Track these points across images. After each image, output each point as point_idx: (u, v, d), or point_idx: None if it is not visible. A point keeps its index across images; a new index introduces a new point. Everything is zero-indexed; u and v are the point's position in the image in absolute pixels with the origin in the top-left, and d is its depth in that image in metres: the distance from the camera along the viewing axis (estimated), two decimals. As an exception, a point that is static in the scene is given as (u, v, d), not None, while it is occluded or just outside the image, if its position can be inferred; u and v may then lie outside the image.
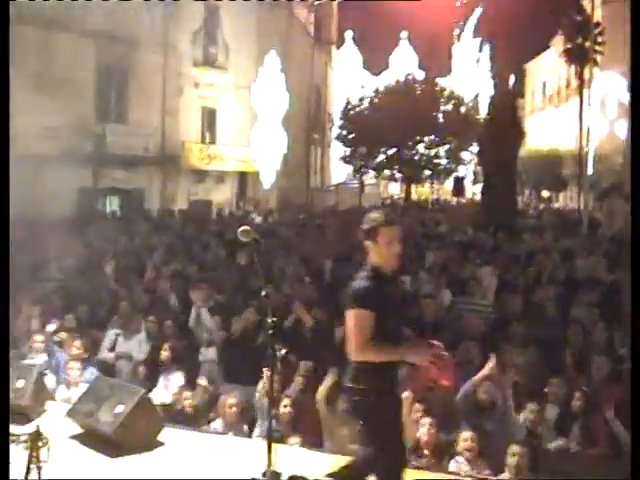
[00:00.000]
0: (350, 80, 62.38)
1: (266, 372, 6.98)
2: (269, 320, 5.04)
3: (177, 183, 36.12)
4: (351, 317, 4.97)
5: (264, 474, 4.65)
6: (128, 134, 32.44)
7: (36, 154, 26.61)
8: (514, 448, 6.67)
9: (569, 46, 46.26)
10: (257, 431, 7.93)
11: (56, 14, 27.32)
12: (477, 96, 52.22)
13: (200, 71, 37.24)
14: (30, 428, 6.24)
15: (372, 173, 52.89)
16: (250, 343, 9.53)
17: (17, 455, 6.10)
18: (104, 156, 30.20)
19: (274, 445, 4.94)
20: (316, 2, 50.85)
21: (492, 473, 6.84)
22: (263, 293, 5.15)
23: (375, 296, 4.98)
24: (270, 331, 5.00)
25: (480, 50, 68.96)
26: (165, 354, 9.64)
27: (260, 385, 8.13)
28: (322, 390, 7.96)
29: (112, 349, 10.88)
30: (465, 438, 7.06)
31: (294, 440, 7.20)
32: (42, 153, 26.96)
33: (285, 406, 7.74)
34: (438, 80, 52.81)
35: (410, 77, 51.40)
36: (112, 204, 32.46)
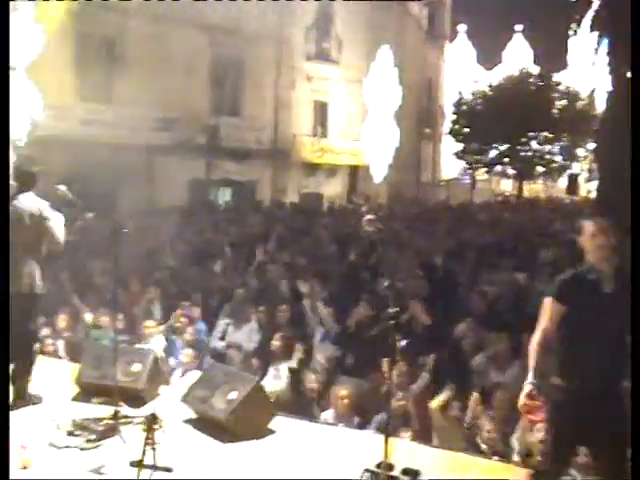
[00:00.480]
0: (463, 74, 61.65)
1: (385, 363, 6.98)
2: (390, 310, 5.02)
3: (288, 176, 36.45)
4: (544, 305, 5.24)
5: (378, 465, 4.66)
6: (241, 127, 32.95)
7: (151, 145, 27.32)
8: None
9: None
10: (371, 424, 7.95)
11: (171, 9, 27.96)
12: (593, 92, 50.85)
13: (313, 65, 37.52)
14: (146, 411, 6.42)
15: (484, 169, 52.19)
16: (364, 335, 9.56)
17: (132, 436, 6.29)
18: (217, 148, 30.68)
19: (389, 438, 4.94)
20: (429, -4, 50.49)
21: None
22: (385, 284, 5.14)
23: (570, 290, 5.15)
24: (391, 321, 4.97)
25: (597, 45, 67.19)
26: (276, 344, 9.73)
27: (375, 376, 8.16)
28: (440, 401, 7.94)
29: (222, 338, 11.09)
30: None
31: (405, 434, 7.19)
32: (157, 144, 27.65)
33: (399, 400, 7.73)
34: (553, 75, 51.73)
35: (524, 72, 50.50)
36: (224, 195, 33.00)
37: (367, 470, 4.87)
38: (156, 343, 10.06)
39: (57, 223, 7.25)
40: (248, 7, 31.42)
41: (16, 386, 7.16)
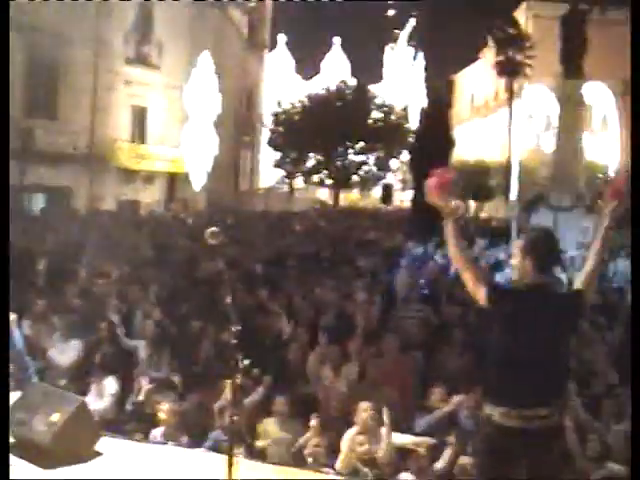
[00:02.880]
0: (282, 84, 62.31)
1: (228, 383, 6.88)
2: (233, 328, 4.88)
3: (105, 182, 35.53)
4: None
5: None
6: (57, 131, 31.88)
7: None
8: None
9: (500, 58, 46.81)
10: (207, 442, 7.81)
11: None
12: (407, 105, 52.55)
13: (132, 69, 36.72)
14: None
15: (302, 178, 52.89)
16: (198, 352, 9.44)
17: None
18: (31, 152, 29.57)
19: (223, 456, 4.83)
20: (250, 4, 50.68)
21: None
22: (228, 299, 4.98)
23: None
24: (234, 340, 4.83)
25: (413, 59, 69.51)
26: (98, 359, 9.41)
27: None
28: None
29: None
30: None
31: (239, 450, 7.09)
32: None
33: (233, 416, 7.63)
34: (369, 87, 53.10)
35: (341, 83, 51.57)
36: (38, 202, 31.79)
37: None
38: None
39: None
40: (65, 8, 30.41)
41: None
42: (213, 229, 4.89)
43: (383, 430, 7.55)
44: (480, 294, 4.89)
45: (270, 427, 8.09)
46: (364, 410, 7.68)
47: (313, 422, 7.70)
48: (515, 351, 4.76)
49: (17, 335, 9.95)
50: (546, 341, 4.75)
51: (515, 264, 4.99)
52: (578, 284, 5.00)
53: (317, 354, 9.47)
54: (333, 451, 7.54)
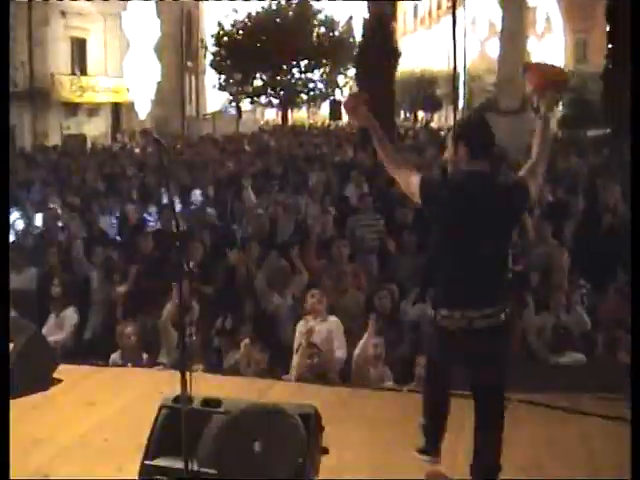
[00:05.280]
0: (222, 5, 61.18)
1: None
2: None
3: (48, 118, 34.92)
4: None
5: (175, 400, 4.54)
6: (-6, 68, 31.10)
7: None
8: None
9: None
10: (162, 359, 7.85)
11: None
12: (350, 19, 51.94)
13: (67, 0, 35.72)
14: None
15: (248, 99, 52.34)
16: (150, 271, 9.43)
17: None
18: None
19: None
20: None
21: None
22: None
23: None
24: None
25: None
26: (56, 290, 9.27)
27: (165, 312, 8.04)
28: None
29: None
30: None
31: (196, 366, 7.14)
32: None
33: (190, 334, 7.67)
34: (311, 3, 52.34)
35: (282, 0, 50.77)
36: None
37: (164, 406, 4.74)
38: None
39: None
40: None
41: None
42: (144, 128, 4.79)
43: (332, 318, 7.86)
44: (413, 190, 4.65)
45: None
46: (311, 296, 7.93)
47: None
48: (454, 247, 4.55)
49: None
50: (487, 233, 4.48)
51: (448, 155, 4.69)
52: (521, 173, 4.72)
53: (266, 269, 9.46)
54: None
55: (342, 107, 5.22)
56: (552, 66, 5.37)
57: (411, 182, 4.68)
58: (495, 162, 5.22)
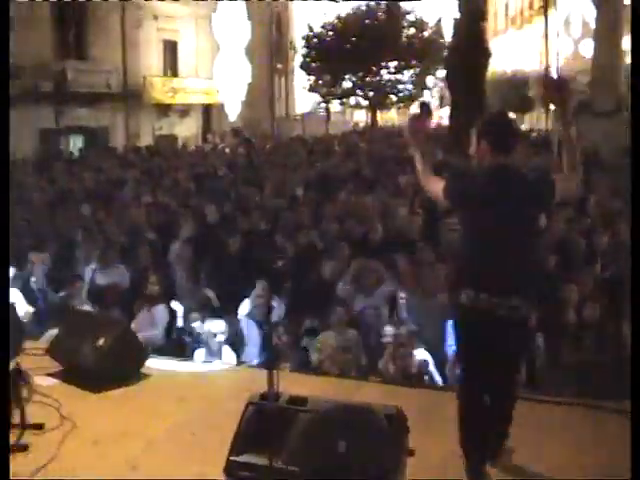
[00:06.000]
0: (311, 7, 61.46)
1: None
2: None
3: (141, 119, 35.55)
4: None
5: (262, 397, 4.55)
6: (89, 71, 31.77)
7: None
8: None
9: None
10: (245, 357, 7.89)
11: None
12: (440, 20, 51.63)
13: (159, 3, 36.32)
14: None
15: (337, 101, 52.49)
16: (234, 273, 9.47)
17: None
18: (65, 95, 29.57)
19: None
20: None
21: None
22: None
23: None
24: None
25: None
26: (152, 287, 9.33)
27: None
28: None
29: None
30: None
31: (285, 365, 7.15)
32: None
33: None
34: (401, 4, 52.16)
35: (372, 2, 50.75)
36: (77, 143, 31.88)
37: (251, 403, 4.74)
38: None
39: None
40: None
41: None
42: (235, 127, 4.82)
43: None
44: (438, 191, 4.96)
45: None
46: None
47: None
48: (482, 237, 4.70)
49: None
50: (513, 225, 4.62)
51: (473, 152, 4.89)
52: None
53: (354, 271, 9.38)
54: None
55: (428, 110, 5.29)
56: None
57: (437, 186, 4.97)
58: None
